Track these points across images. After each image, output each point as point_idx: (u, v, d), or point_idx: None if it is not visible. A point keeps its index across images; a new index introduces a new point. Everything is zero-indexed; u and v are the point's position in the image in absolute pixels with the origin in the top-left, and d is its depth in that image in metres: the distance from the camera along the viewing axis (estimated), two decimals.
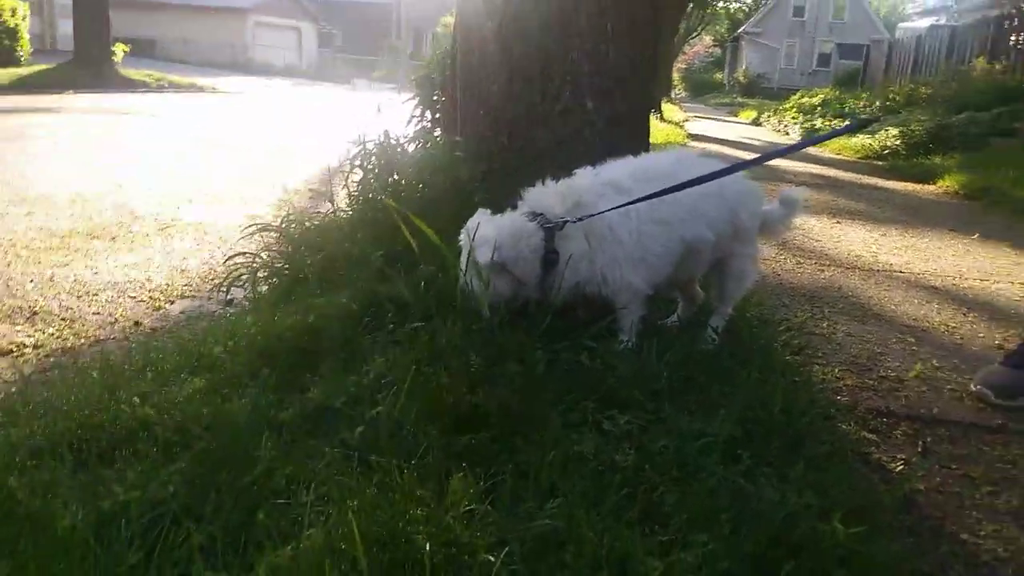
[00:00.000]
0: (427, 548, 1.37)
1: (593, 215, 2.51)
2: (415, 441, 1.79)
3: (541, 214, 2.55)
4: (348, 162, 4.24)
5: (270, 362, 2.22)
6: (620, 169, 2.72)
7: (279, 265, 3.55)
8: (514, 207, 2.68)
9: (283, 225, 3.76)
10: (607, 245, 2.55)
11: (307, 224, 3.79)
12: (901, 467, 2.38)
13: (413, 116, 5.12)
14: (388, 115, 4.60)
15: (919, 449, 2.53)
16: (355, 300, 2.58)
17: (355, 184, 4.13)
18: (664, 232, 2.59)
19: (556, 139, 3.82)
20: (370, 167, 4.03)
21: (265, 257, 3.79)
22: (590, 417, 2.02)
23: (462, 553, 1.40)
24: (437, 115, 5.00)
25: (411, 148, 4.17)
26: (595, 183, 2.64)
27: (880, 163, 11.93)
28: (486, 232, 2.50)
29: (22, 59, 19.79)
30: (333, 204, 3.94)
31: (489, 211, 2.67)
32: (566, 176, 2.76)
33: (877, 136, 12.72)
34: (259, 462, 1.66)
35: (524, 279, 2.52)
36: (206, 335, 2.57)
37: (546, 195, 2.63)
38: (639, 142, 4.21)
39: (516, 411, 1.93)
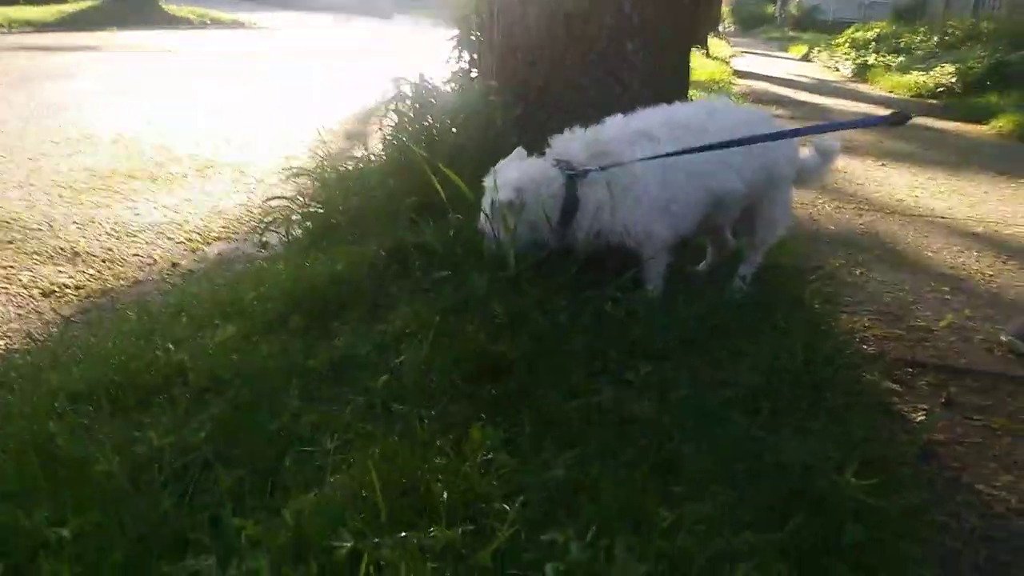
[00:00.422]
0: (444, 496, 1.43)
1: (617, 164, 2.49)
2: (438, 390, 1.84)
3: (565, 161, 2.54)
4: (383, 105, 4.23)
5: (300, 309, 2.28)
6: (650, 118, 2.68)
7: (313, 210, 3.60)
8: (542, 154, 2.66)
9: (317, 170, 3.79)
10: (630, 195, 2.53)
11: (340, 169, 3.82)
12: (923, 417, 2.38)
13: (450, 57, 5.05)
14: (427, 53, 4.56)
15: (943, 400, 2.52)
16: (383, 248, 2.61)
17: (389, 128, 4.13)
18: (692, 182, 2.56)
19: (595, 82, 3.76)
20: (404, 110, 4.02)
21: (300, 201, 3.85)
22: (613, 367, 2.05)
23: (479, 501, 1.45)
24: (475, 56, 4.93)
25: (447, 90, 4.14)
26: (624, 132, 2.61)
27: (933, 101, 11.51)
28: (508, 175, 2.51)
29: None
30: (367, 149, 3.96)
31: (524, 153, 2.65)
32: (600, 119, 2.74)
33: (931, 72, 12.25)
34: (287, 409, 1.73)
35: (543, 224, 2.52)
36: (238, 281, 2.63)
37: (572, 142, 2.61)
38: (679, 85, 4.13)
39: (539, 361, 1.97)
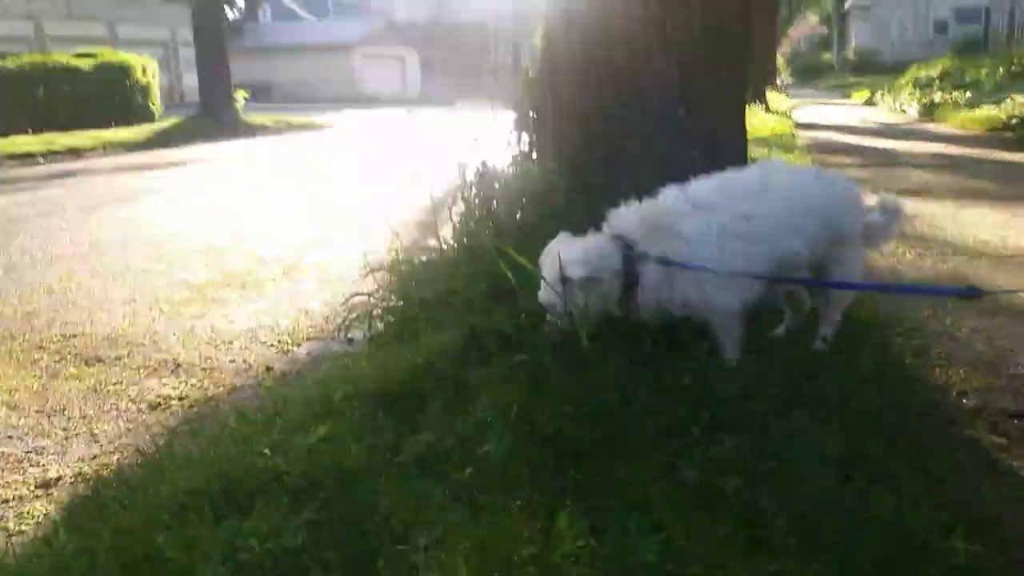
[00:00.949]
0: None
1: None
2: (522, 478, 1.87)
3: (622, 237, 2.59)
4: (450, 194, 4.40)
5: (385, 405, 2.35)
6: (704, 185, 2.71)
7: (393, 304, 3.73)
8: (598, 229, 2.72)
9: (393, 265, 3.94)
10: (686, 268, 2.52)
11: (415, 261, 3.96)
12: None
13: (510, 141, 5.22)
14: (488, 138, 4.73)
15: None
16: (460, 336, 2.69)
17: (457, 216, 4.28)
18: (750, 248, 2.53)
19: (650, 150, 3.80)
20: (471, 198, 4.17)
21: (379, 297, 3.99)
22: (696, 443, 2.04)
23: None
24: (534, 137, 5.09)
25: (510, 173, 4.28)
26: (676, 203, 2.64)
27: (1009, 134, 11.17)
28: (572, 252, 2.56)
29: (156, 114, 21.42)
30: (439, 239, 4.10)
31: (570, 233, 2.71)
32: (659, 188, 2.78)
33: (1003, 105, 11.93)
34: (378, 508, 1.78)
35: (606, 299, 2.56)
36: (327, 380, 2.74)
37: (627, 218, 2.65)
38: (737, 146, 4.15)
39: (618, 442, 1.98)
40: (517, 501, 1.77)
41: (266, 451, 2.12)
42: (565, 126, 3.96)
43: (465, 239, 3.83)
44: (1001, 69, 15.00)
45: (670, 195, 2.70)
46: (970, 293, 2.28)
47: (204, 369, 4.04)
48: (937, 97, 15.45)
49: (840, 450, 2.03)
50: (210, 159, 14.91)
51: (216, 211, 8.83)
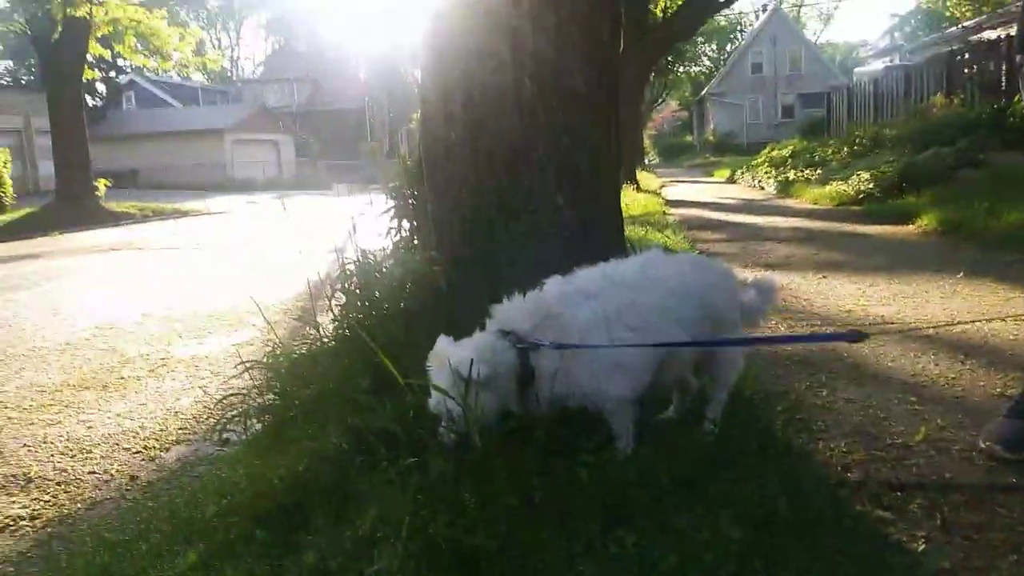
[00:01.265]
0: None
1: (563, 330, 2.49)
2: None
3: (511, 332, 2.53)
4: (328, 284, 4.26)
5: (263, 522, 2.16)
6: (587, 276, 2.72)
7: (269, 402, 3.52)
8: (482, 327, 2.64)
9: (269, 360, 3.74)
10: (581, 357, 2.50)
11: (293, 355, 3.77)
12: (923, 546, 2.31)
13: (390, 228, 5.15)
14: (367, 225, 4.64)
15: (938, 523, 2.46)
16: (344, 439, 2.53)
17: (337, 307, 4.13)
18: (637, 339, 2.55)
19: (531, 237, 3.84)
20: (350, 288, 4.04)
21: (256, 394, 3.77)
22: (595, 542, 1.96)
23: None
24: (415, 224, 5.04)
25: (390, 262, 4.18)
26: (563, 291, 2.63)
27: (856, 208, 12.07)
28: (462, 353, 2.47)
29: (7, 205, 20.15)
30: (318, 331, 3.93)
31: (450, 338, 2.62)
32: (540, 277, 2.76)
33: (849, 181, 12.91)
34: None
35: (504, 396, 2.49)
36: (199, 495, 2.50)
37: (513, 311, 2.60)
38: (613, 230, 4.24)
39: (517, 548, 1.87)
40: None
41: None
42: (444, 216, 3.93)
43: (346, 330, 3.69)
44: (845, 148, 16.32)
45: (555, 286, 2.69)
46: (856, 337, 2.35)
47: (59, 483, 3.67)
48: (791, 175, 16.58)
49: (739, 536, 2.00)
50: (65, 251, 14.09)
51: (71, 307, 8.27)
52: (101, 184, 20.56)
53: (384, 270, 3.95)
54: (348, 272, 4.03)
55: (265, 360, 3.79)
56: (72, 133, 19.73)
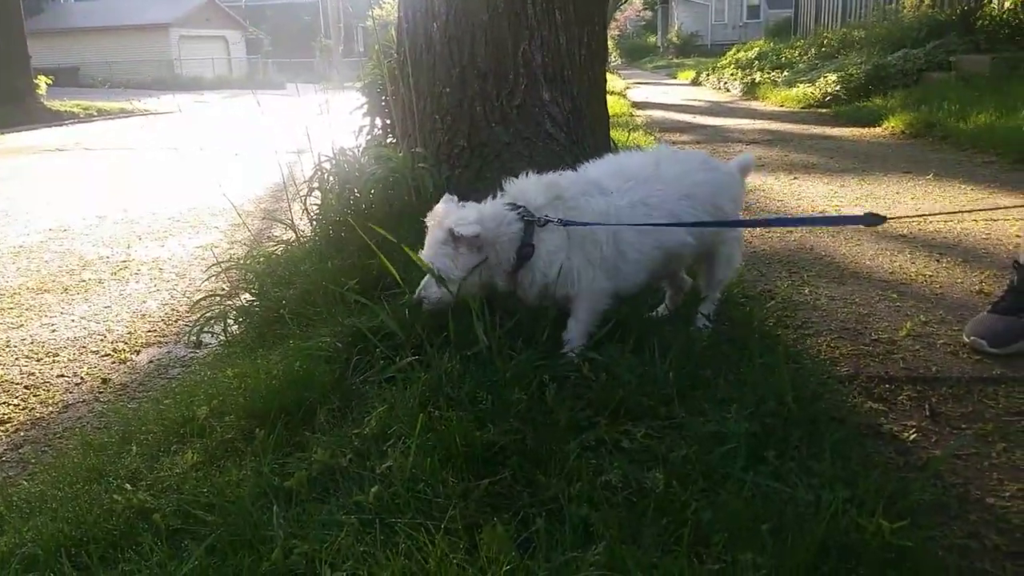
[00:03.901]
0: None
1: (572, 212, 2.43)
2: (433, 493, 1.70)
3: (522, 205, 2.46)
4: (304, 183, 4.11)
5: (261, 421, 2.10)
6: (600, 168, 2.66)
7: (250, 304, 3.42)
8: (494, 197, 2.57)
9: (247, 260, 3.61)
10: (586, 245, 2.47)
11: (271, 256, 3.65)
12: (914, 435, 2.36)
13: (363, 126, 4.97)
14: (330, 123, 4.45)
15: (927, 413, 2.50)
16: (339, 338, 2.46)
17: (315, 207, 4.00)
18: (643, 240, 2.51)
19: (517, 135, 3.74)
20: (328, 187, 3.90)
21: (233, 297, 3.66)
22: (606, 436, 1.94)
23: None
24: (388, 122, 4.86)
25: (366, 159, 4.04)
26: (578, 180, 2.58)
27: (823, 111, 12.04)
28: (467, 213, 2.42)
29: None
30: (296, 232, 3.80)
31: (455, 198, 2.57)
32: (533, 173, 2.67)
33: (817, 83, 12.82)
34: (272, 543, 1.56)
35: (497, 266, 2.43)
36: (187, 395, 2.43)
37: (528, 187, 2.53)
38: (600, 129, 4.14)
39: (531, 444, 1.85)
40: (435, 519, 1.59)
41: (127, 486, 1.82)
42: (428, 112, 3.78)
43: (329, 230, 3.56)
44: (812, 50, 16.12)
45: (569, 175, 2.63)
46: (874, 221, 2.31)
47: (27, 387, 3.57)
48: (757, 77, 16.40)
49: (746, 429, 2.00)
50: (8, 150, 13.44)
51: (20, 209, 7.91)
52: (42, 81, 19.46)
53: (362, 168, 3.80)
54: (325, 170, 3.88)
55: (243, 261, 3.66)
56: (9, 26, 18.46)
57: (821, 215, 4.33)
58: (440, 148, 3.76)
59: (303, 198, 4.17)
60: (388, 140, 4.79)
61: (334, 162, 3.88)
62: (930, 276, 3.87)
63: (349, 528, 1.61)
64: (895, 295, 3.61)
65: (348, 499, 1.71)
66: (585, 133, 3.89)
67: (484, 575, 1.42)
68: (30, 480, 2.23)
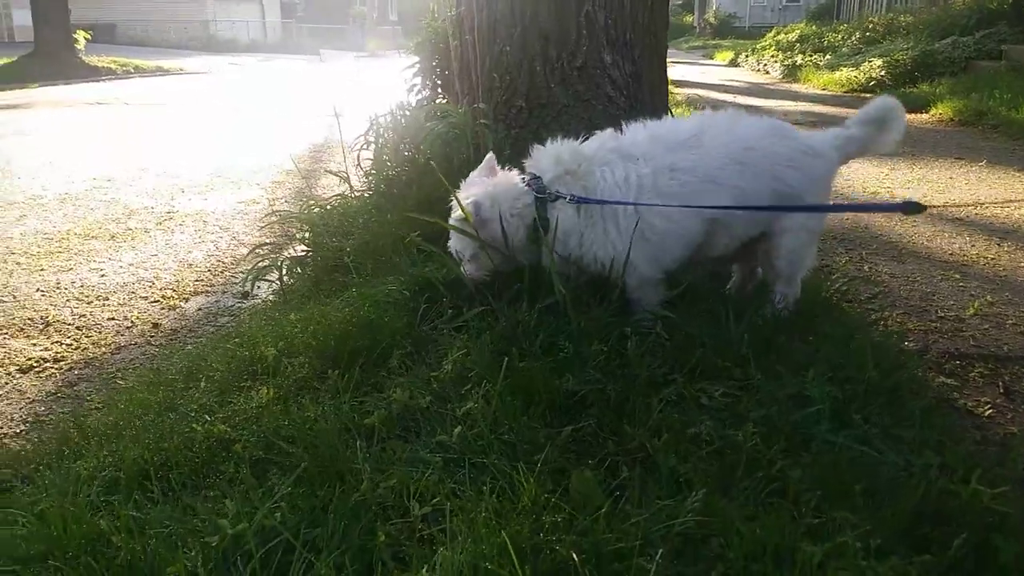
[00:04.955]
0: (575, 558, 1.27)
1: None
2: (518, 437, 1.68)
3: (538, 176, 2.34)
4: (359, 138, 4.08)
5: (334, 362, 2.09)
6: (638, 133, 2.43)
7: (304, 255, 3.41)
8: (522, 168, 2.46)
9: (302, 212, 3.60)
10: (599, 220, 2.28)
11: (327, 208, 3.64)
12: (990, 411, 2.31)
13: (414, 85, 4.92)
14: (371, 85, 4.42)
15: (1001, 391, 2.45)
16: (405, 287, 2.44)
17: (368, 162, 3.98)
18: (673, 209, 2.26)
19: (577, 97, 3.68)
20: (382, 144, 3.87)
21: (283, 248, 3.66)
22: (686, 393, 1.91)
23: (610, 560, 1.30)
24: (439, 83, 4.81)
25: (421, 117, 4.00)
26: (600, 150, 2.38)
27: (867, 95, 11.80)
28: (473, 191, 2.33)
29: None
30: (351, 185, 3.78)
31: (493, 161, 2.50)
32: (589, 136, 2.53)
33: (861, 68, 12.58)
34: (360, 475, 1.55)
35: (507, 242, 2.31)
36: (253, 336, 2.42)
37: (545, 156, 2.38)
38: (659, 94, 4.07)
39: (613, 395, 1.82)
40: (522, 461, 1.57)
41: (205, 416, 1.82)
42: (488, 71, 3.73)
43: (383, 185, 3.53)
44: (856, 34, 15.80)
45: (596, 139, 2.43)
46: (913, 208, 2.19)
47: (79, 328, 3.59)
48: (799, 59, 16.12)
49: (828, 394, 1.96)
50: (49, 102, 13.51)
51: (64, 158, 7.96)
52: (81, 36, 19.49)
53: (419, 124, 3.76)
54: (380, 125, 3.85)
55: (300, 213, 3.65)
56: None
57: (861, 203, 4.04)
58: (498, 107, 3.71)
59: (356, 153, 4.14)
60: (436, 100, 4.74)
61: (389, 118, 3.84)
62: (992, 259, 3.79)
63: (434, 466, 1.59)
64: (957, 275, 3.54)
65: (431, 438, 1.70)
66: (644, 97, 3.82)
67: (579, 515, 1.40)
68: (100, 412, 2.24)
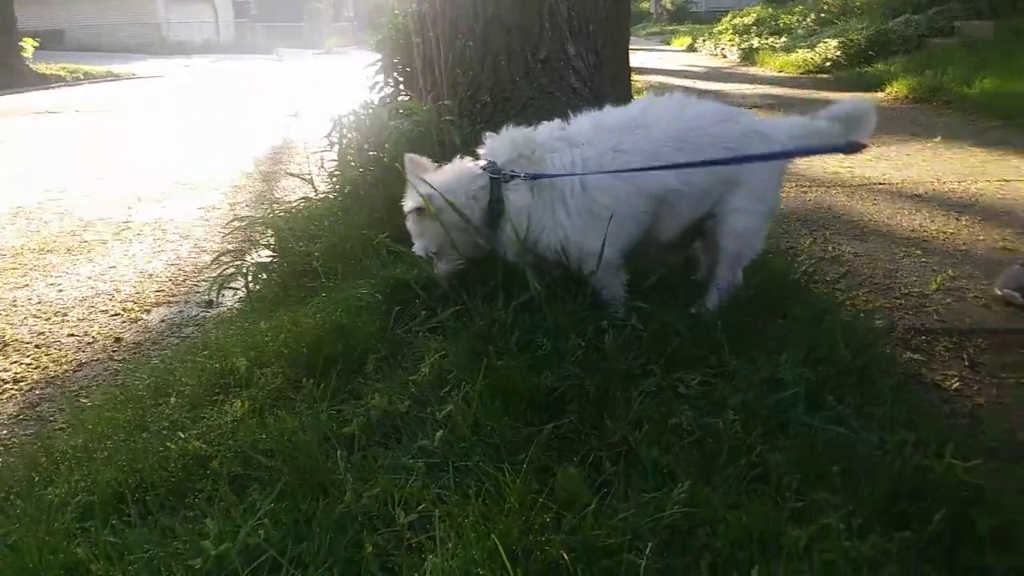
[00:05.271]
0: (566, 556, 1.27)
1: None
2: (498, 438, 1.67)
3: (492, 161, 2.38)
4: (323, 139, 4.03)
5: (308, 371, 2.06)
6: (584, 120, 2.51)
7: (270, 260, 3.36)
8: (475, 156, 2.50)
9: (268, 217, 3.55)
10: (547, 198, 2.33)
11: (291, 212, 3.59)
12: (957, 384, 2.36)
13: (376, 82, 4.87)
14: (330, 84, 4.36)
15: (966, 363, 2.50)
16: (377, 289, 2.42)
17: (331, 163, 3.93)
18: (617, 186, 2.32)
19: (541, 90, 3.67)
20: (345, 144, 3.82)
21: (246, 254, 3.60)
22: (664, 383, 1.92)
23: (600, 556, 1.30)
24: (402, 80, 4.76)
25: (386, 115, 3.97)
26: (549, 136, 2.44)
27: (824, 76, 11.97)
28: (432, 178, 2.36)
29: None
30: (314, 188, 3.74)
31: (436, 164, 2.52)
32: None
33: (817, 49, 12.73)
34: (342, 486, 1.53)
35: (467, 230, 2.35)
36: (220, 349, 2.38)
37: (497, 142, 2.45)
38: (623, 84, 4.09)
39: (592, 389, 1.82)
40: (502, 463, 1.57)
41: (179, 433, 1.78)
42: (451, 67, 3.71)
43: (348, 186, 3.50)
44: (811, 16, 15.99)
45: (546, 127, 2.50)
46: (853, 147, 2.14)
47: (38, 346, 3.50)
48: (755, 42, 16.26)
49: (801, 376, 1.98)
50: (2, 113, 13.16)
51: (14, 170, 7.76)
52: (28, 44, 18.98)
53: (383, 123, 3.72)
54: (343, 125, 3.81)
55: (263, 218, 3.60)
56: None
57: (804, 147, 4.01)
58: (462, 103, 3.69)
59: (319, 155, 4.10)
60: (398, 97, 4.70)
61: (352, 117, 3.80)
62: (951, 233, 3.87)
63: (417, 472, 1.58)
64: (919, 252, 3.61)
65: (412, 444, 1.69)
66: (608, 88, 3.83)
67: (566, 513, 1.40)
68: (67, 433, 2.19)
